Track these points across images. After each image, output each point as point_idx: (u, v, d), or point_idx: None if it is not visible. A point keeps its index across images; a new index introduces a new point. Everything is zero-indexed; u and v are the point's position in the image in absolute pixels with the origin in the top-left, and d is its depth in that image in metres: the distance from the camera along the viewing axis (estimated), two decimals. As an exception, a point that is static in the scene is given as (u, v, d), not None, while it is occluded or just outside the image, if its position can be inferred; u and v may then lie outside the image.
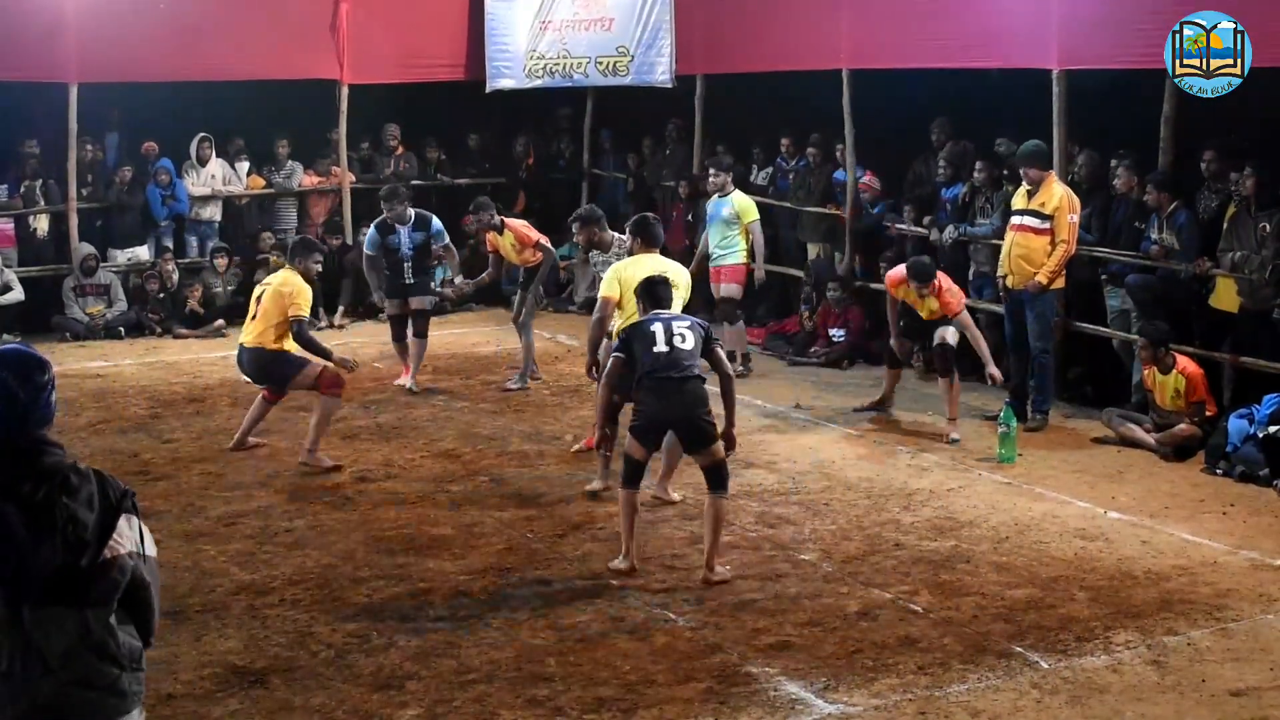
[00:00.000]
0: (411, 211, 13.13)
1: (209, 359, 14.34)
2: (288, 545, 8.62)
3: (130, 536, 3.69)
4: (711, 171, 13.79)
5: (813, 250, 15.49)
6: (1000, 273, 11.71)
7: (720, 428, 8.05)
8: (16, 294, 15.48)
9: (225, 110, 17.06)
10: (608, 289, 9.34)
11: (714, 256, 13.50)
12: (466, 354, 13.97)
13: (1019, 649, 6.97)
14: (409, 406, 12.17)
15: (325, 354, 10.64)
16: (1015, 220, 11.41)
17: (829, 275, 14.57)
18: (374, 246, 13.05)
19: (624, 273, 9.26)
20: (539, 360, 13.48)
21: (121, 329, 15.64)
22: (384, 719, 6.23)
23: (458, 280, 14.00)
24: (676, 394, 7.92)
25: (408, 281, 12.97)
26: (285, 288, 10.48)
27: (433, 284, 13.78)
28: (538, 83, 17.51)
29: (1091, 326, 12.22)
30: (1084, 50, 11.81)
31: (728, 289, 13.46)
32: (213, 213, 17.00)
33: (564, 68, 17.31)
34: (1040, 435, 11.15)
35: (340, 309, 16.33)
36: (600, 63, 17.10)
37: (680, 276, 9.20)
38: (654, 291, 8.35)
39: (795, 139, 15.89)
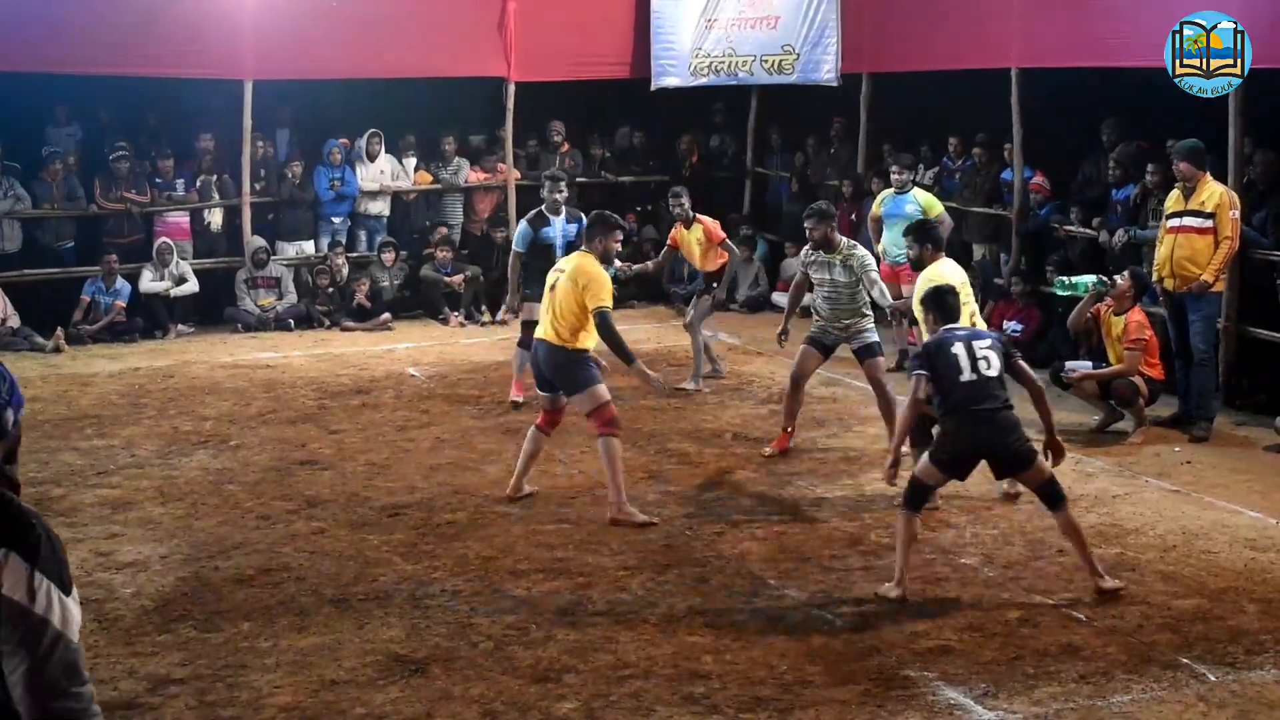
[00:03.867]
0: (562, 205, 12.32)
1: (375, 352, 14.58)
2: (449, 537, 8.73)
3: (10, 581, 3.32)
4: (895, 169, 13.71)
5: (978, 252, 15.32)
6: (1156, 277, 11.48)
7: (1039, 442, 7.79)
8: (191, 285, 15.89)
9: (394, 107, 17.33)
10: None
11: (893, 255, 13.41)
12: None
13: (1185, 660, 6.81)
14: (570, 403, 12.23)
15: (628, 357, 9.21)
16: (1173, 223, 11.17)
17: (995, 278, 14.40)
18: (524, 243, 12.04)
19: (942, 278, 8.99)
20: (721, 356, 13.50)
21: (291, 321, 15.96)
22: (542, 711, 6.28)
23: (618, 263, 13.51)
24: (989, 425, 7.61)
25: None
26: (579, 275, 9.12)
27: None
28: (703, 81, 17.53)
29: (1266, 332, 11.93)
30: (1272, 48, 11.49)
31: (911, 289, 13.35)
32: (381, 208, 17.28)
33: (729, 66, 17.31)
34: (1210, 443, 10.90)
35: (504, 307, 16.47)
36: (765, 61, 17.08)
37: (968, 284, 9.25)
38: (944, 302, 8.09)
39: (962, 138, 15.72)
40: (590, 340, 9.15)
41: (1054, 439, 7.87)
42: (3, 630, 3.32)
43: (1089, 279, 11.18)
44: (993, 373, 7.64)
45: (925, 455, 7.93)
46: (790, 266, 17.37)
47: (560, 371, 9.18)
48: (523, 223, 12.34)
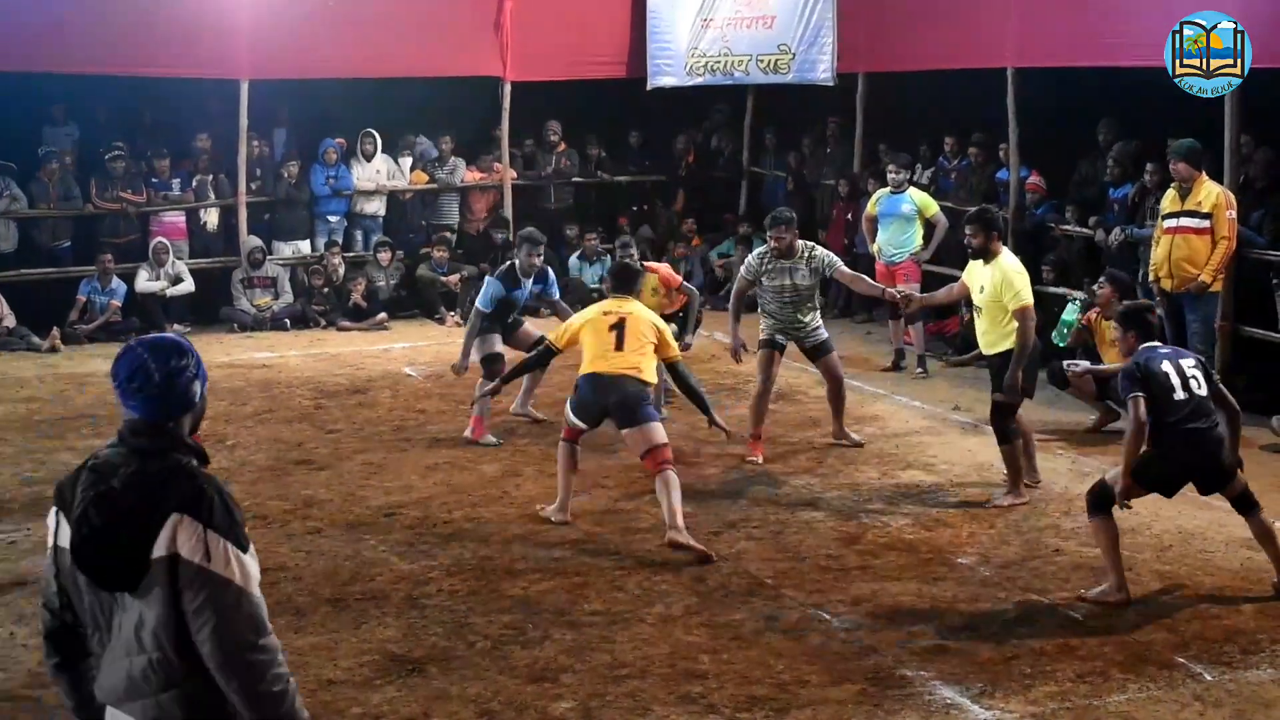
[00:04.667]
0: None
1: (371, 352, 14.58)
2: (446, 536, 8.73)
3: (190, 543, 3.53)
4: (891, 168, 13.73)
5: (974, 251, 15.31)
6: (1152, 277, 11.49)
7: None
8: (187, 285, 15.89)
9: (390, 107, 17.33)
10: (1028, 296, 9.19)
11: (888, 255, 13.44)
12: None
13: (1182, 660, 6.82)
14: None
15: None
16: (1170, 223, 11.18)
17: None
18: (491, 304, 11.12)
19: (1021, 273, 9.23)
20: (695, 358, 13.42)
21: (287, 321, 15.97)
22: (538, 710, 6.28)
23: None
24: (1205, 443, 7.51)
25: (510, 321, 11.41)
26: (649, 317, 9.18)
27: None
28: (699, 80, 17.54)
29: (1262, 332, 11.94)
30: (1271, 48, 11.50)
31: (909, 288, 13.38)
32: (377, 207, 17.28)
33: (725, 65, 17.32)
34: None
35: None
36: (761, 60, 17.09)
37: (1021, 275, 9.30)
38: (1146, 320, 7.93)
39: (958, 138, 15.73)
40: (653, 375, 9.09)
41: (1238, 457, 7.78)
42: (186, 592, 3.53)
43: (1071, 310, 11.12)
44: (1203, 392, 7.51)
45: (1138, 480, 7.63)
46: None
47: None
48: (494, 281, 11.25)
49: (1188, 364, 7.60)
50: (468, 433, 11.04)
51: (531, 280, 11.29)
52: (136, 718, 3.60)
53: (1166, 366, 7.51)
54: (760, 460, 10.49)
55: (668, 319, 11.48)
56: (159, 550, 3.51)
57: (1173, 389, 7.46)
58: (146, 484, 3.57)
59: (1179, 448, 7.51)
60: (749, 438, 10.56)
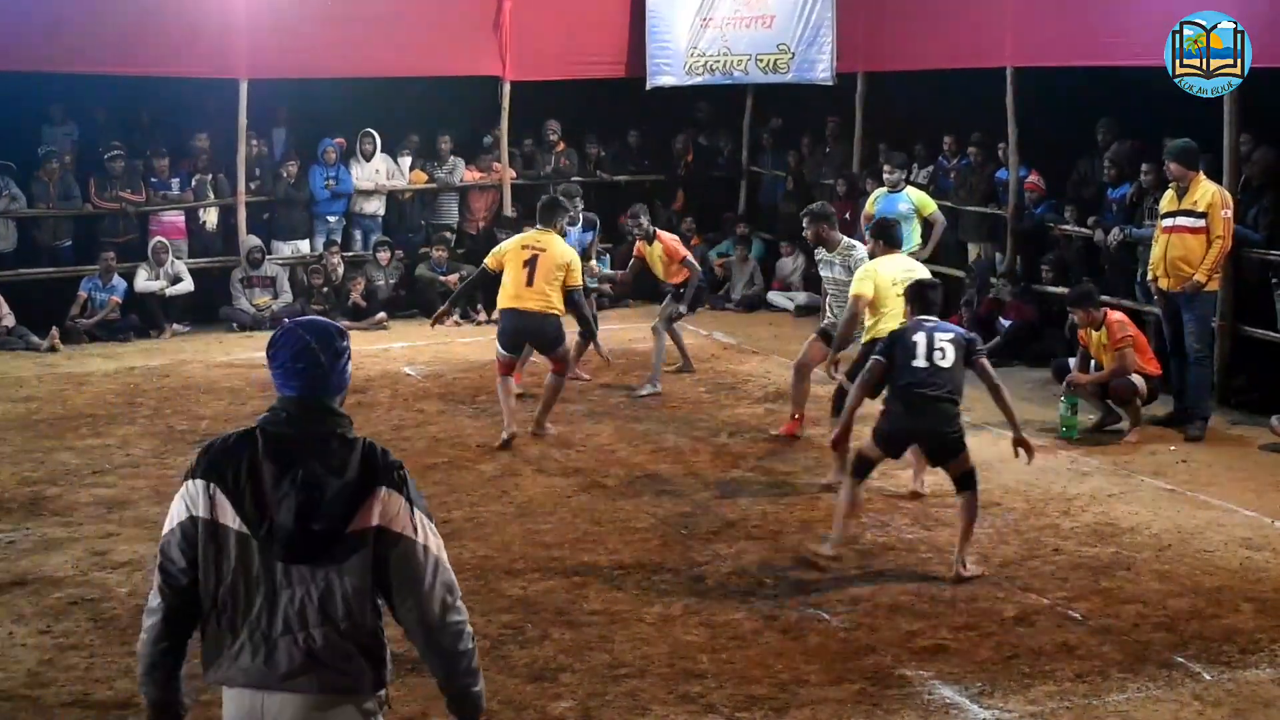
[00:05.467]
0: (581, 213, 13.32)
1: (371, 351, 14.56)
2: (444, 536, 8.63)
3: (392, 514, 3.77)
4: (887, 168, 13.72)
5: (974, 251, 15.34)
6: (1150, 276, 11.49)
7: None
8: (186, 285, 15.88)
9: (389, 106, 17.33)
10: (861, 287, 9.46)
11: None
12: (624, 350, 14.01)
13: (1181, 659, 6.83)
14: (565, 401, 12.24)
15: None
16: (1167, 223, 11.16)
17: (992, 275, 14.42)
18: None
19: (878, 273, 9.42)
20: (695, 357, 13.51)
21: (287, 320, 15.90)
22: (538, 710, 6.29)
23: (593, 262, 13.70)
24: (927, 411, 7.92)
25: None
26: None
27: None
28: (698, 80, 17.53)
29: (1261, 331, 11.94)
30: (1271, 48, 11.50)
31: None
32: (376, 207, 17.27)
33: (724, 65, 17.31)
34: (1205, 442, 10.91)
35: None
36: (761, 60, 17.08)
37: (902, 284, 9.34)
38: (925, 295, 8.36)
39: (957, 137, 15.74)
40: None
41: (1020, 436, 8.10)
42: (392, 564, 3.77)
43: (1064, 407, 11.02)
44: (946, 363, 7.91)
45: (872, 432, 8.21)
46: (785, 266, 17.40)
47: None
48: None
49: (943, 337, 7.98)
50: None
51: (579, 229, 13.11)
52: (307, 691, 3.72)
53: (919, 337, 7.96)
54: (778, 434, 11.01)
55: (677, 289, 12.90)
56: (364, 521, 3.71)
57: (914, 356, 7.91)
58: (345, 458, 3.77)
59: (901, 408, 7.98)
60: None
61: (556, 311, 10.81)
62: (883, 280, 9.34)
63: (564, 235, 11.91)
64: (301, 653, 3.70)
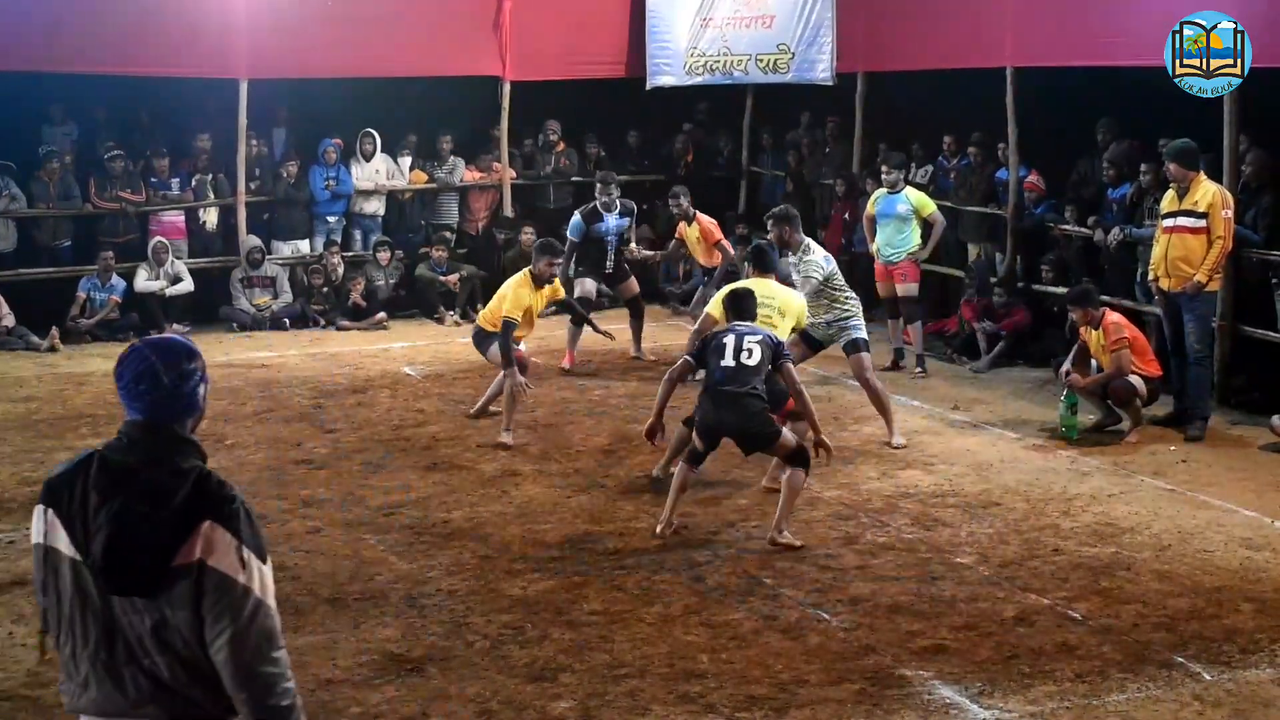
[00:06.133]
0: (618, 200, 13.82)
1: (371, 351, 14.57)
2: (445, 536, 8.74)
3: (216, 550, 3.52)
4: (885, 168, 13.73)
5: (973, 251, 15.33)
6: (1151, 276, 11.49)
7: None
8: (186, 285, 15.89)
9: (389, 106, 17.33)
10: (713, 308, 9.86)
11: (886, 255, 13.46)
12: (624, 349, 13.99)
13: (1180, 659, 6.83)
14: (566, 400, 12.25)
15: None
16: (1167, 223, 11.15)
17: (990, 276, 14.42)
18: (578, 233, 13.62)
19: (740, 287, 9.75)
20: None
21: (286, 320, 15.95)
22: (537, 710, 6.29)
23: (632, 245, 14.30)
24: (731, 407, 8.46)
25: (608, 270, 13.81)
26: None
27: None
28: (698, 80, 17.53)
29: (1261, 331, 11.94)
30: (1271, 48, 11.49)
31: (907, 288, 13.43)
32: (376, 207, 17.28)
33: (724, 65, 17.32)
34: (1205, 442, 10.90)
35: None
36: (761, 60, 17.09)
37: (791, 305, 9.75)
38: (739, 304, 9.01)
39: (957, 137, 15.74)
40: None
41: (820, 439, 8.62)
42: (207, 600, 3.51)
43: (1064, 407, 11.03)
44: (751, 362, 8.47)
45: (692, 426, 8.87)
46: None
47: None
48: (577, 215, 13.87)
49: (752, 339, 8.55)
50: (564, 363, 13.35)
51: (617, 215, 13.62)
52: (158, 719, 3.58)
53: (728, 339, 8.56)
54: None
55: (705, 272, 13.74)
56: (187, 556, 3.49)
57: (724, 355, 8.50)
58: (172, 489, 3.53)
59: (708, 404, 8.55)
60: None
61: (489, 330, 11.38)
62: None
63: (601, 221, 13.55)
64: (148, 681, 3.55)
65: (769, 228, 10.96)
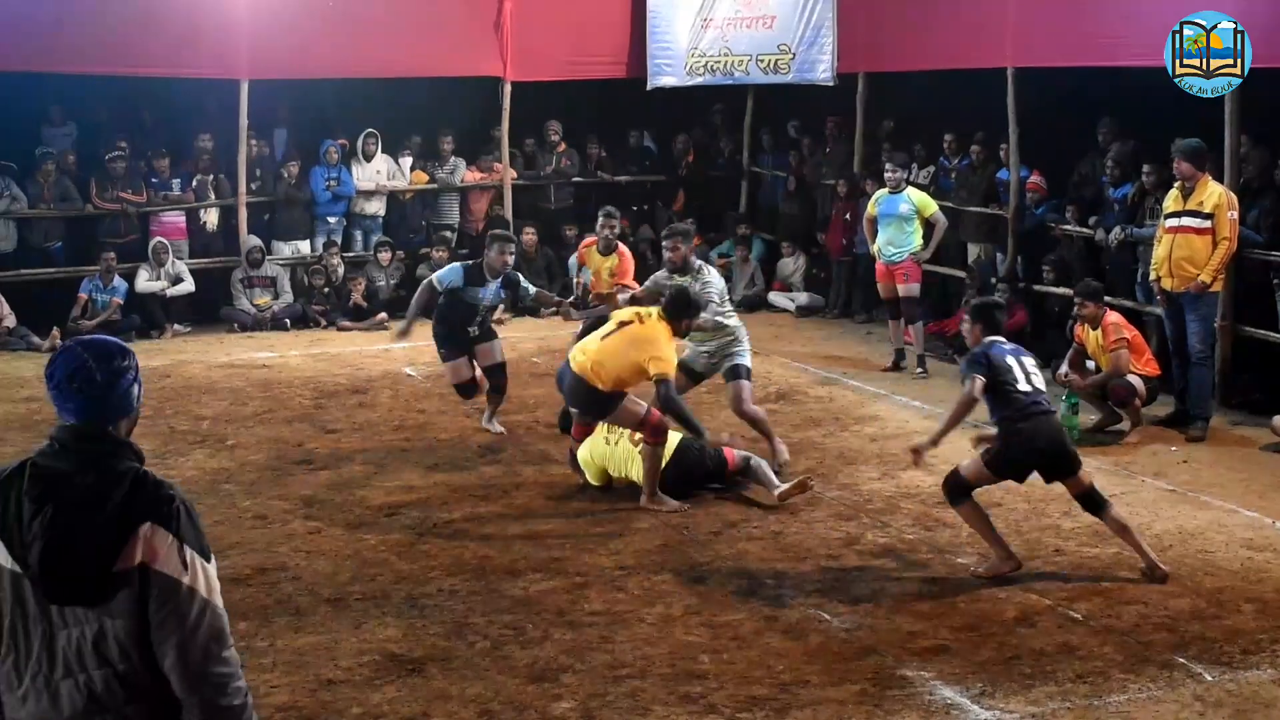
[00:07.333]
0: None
1: (371, 351, 14.58)
2: (446, 536, 8.73)
3: (157, 552, 3.45)
4: (888, 168, 13.72)
5: (974, 251, 15.33)
6: (1154, 276, 11.49)
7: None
8: (187, 285, 15.90)
9: (390, 107, 17.34)
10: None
11: (888, 255, 13.45)
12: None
13: (1182, 660, 6.82)
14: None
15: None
16: (1171, 223, 11.14)
17: (992, 277, 14.42)
18: (447, 285, 11.13)
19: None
20: None
21: (287, 321, 15.96)
22: (538, 711, 6.28)
23: (567, 304, 11.91)
24: (1048, 428, 7.94)
25: (473, 334, 11.29)
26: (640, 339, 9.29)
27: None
28: (699, 80, 17.55)
29: (1262, 331, 11.94)
30: (1271, 48, 11.49)
31: (908, 288, 13.42)
32: (377, 207, 17.29)
33: (725, 65, 17.33)
34: (1206, 442, 10.90)
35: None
36: (761, 60, 17.10)
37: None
38: (994, 318, 8.33)
39: (958, 137, 15.74)
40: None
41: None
42: (152, 604, 3.45)
43: (1065, 407, 10.99)
44: (1041, 384, 8.01)
45: (988, 464, 8.03)
46: (786, 267, 17.39)
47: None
48: (458, 268, 11.34)
49: (1029, 361, 8.08)
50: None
51: (498, 283, 11.12)
52: None
53: (1010, 361, 7.97)
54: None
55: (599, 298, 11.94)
56: (128, 561, 3.42)
57: (1017, 378, 7.91)
58: (108, 493, 3.47)
59: (1031, 430, 7.87)
60: None
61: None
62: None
63: (483, 286, 11.06)
64: (83, 697, 3.47)
65: (665, 246, 10.39)
